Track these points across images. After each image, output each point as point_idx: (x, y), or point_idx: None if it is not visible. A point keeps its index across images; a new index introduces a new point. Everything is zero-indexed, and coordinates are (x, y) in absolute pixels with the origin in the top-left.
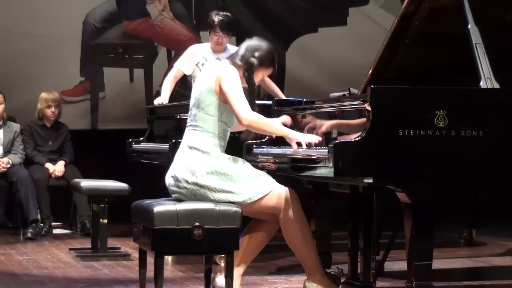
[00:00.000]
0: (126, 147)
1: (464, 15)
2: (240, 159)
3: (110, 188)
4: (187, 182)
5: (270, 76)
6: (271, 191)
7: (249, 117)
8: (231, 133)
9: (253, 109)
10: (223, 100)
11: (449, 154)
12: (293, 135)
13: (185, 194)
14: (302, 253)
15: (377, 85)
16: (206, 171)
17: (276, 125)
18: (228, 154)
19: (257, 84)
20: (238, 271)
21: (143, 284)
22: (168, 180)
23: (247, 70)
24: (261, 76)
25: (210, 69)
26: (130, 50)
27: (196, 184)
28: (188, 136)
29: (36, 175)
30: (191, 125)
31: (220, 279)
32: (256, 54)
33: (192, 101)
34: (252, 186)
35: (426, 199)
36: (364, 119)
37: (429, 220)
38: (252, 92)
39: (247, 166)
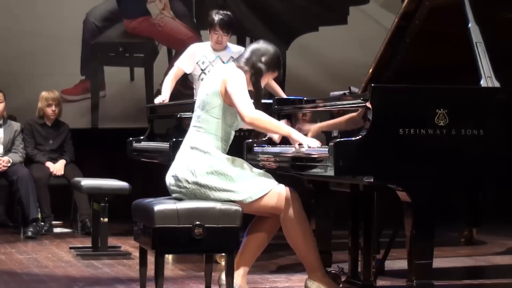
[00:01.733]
0: (126, 146)
1: (465, 14)
2: (240, 160)
3: (111, 187)
4: (187, 181)
5: (275, 79)
6: (270, 190)
7: (251, 114)
8: (235, 131)
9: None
10: (228, 103)
11: (450, 153)
12: (296, 136)
13: (185, 193)
14: (303, 252)
15: (378, 84)
16: (206, 171)
17: (280, 124)
18: (230, 154)
19: (262, 86)
20: (243, 270)
21: (144, 283)
22: (169, 179)
23: (255, 74)
24: (267, 80)
25: (217, 72)
26: (131, 49)
27: (196, 183)
28: (190, 136)
29: (36, 174)
30: (194, 126)
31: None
32: (263, 59)
33: (197, 103)
34: (251, 185)
35: (426, 198)
36: (354, 114)
37: (430, 218)
38: (259, 97)
39: (247, 166)
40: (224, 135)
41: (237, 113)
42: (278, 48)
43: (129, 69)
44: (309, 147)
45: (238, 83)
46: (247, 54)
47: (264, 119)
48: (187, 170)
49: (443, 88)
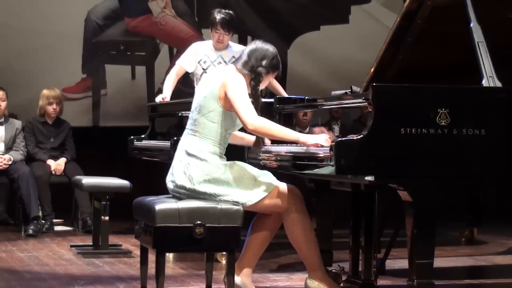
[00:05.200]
0: (127, 144)
1: (467, 13)
2: (238, 163)
3: (112, 185)
4: (185, 188)
5: (276, 77)
6: (271, 191)
7: (254, 122)
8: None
9: (258, 115)
10: (226, 107)
11: (451, 153)
12: (304, 139)
13: (185, 198)
14: (304, 250)
15: (379, 83)
16: (204, 178)
17: (286, 130)
18: (232, 153)
19: (262, 88)
20: (248, 269)
21: (144, 281)
22: (168, 184)
23: (255, 79)
24: (268, 81)
25: (215, 74)
26: (132, 47)
27: (194, 191)
28: (187, 141)
29: (37, 172)
30: (191, 130)
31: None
32: (264, 62)
33: (193, 105)
34: (251, 188)
35: (427, 197)
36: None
37: (431, 218)
38: (257, 101)
39: (246, 169)
40: (220, 139)
41: (236, 118)
42: (275, 47)
43: (131, 67)
44: (322, 146)
45: (238, 88)
46: (245, 57)
47: (268, 126)
48: (185, 177)
49: (444, 88)
